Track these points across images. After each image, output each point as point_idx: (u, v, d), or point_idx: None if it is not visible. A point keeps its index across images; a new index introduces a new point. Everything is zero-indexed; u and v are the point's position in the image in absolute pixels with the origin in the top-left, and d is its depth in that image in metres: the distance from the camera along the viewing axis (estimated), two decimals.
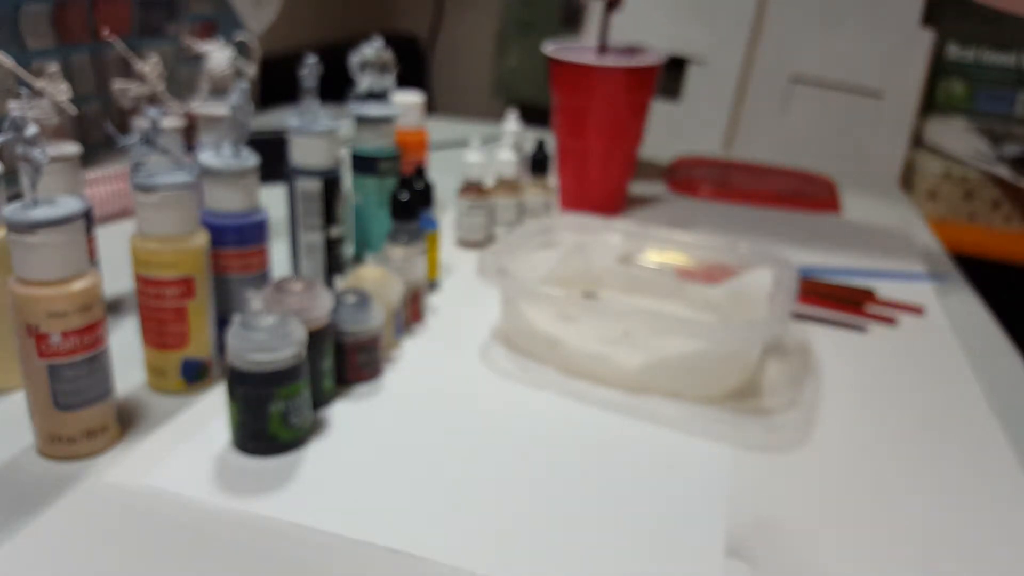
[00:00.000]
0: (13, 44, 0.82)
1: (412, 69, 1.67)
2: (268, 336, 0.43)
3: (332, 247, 0.61)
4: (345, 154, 0.65)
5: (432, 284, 0.66)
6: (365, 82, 0.65)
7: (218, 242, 0.50)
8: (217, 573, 0.37)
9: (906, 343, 0.62)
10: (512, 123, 0.81)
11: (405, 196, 0.59)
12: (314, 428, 0.48)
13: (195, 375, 0.50)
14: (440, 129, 1.14)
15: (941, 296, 0.71)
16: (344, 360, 0.51)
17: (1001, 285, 1.22)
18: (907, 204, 1.02)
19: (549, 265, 0.63)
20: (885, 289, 0.71)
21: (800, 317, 0.65)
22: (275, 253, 0.56)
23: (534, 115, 1.57)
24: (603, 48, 0.82)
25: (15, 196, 0.47)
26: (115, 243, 0.61)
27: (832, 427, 0.51)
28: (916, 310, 0.67)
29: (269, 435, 0.44)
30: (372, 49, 0.64)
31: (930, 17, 1.38)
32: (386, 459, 0.45)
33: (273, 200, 0.64)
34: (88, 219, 0.54)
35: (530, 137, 0.84)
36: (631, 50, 0.84)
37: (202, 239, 0.48)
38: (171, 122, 0.60)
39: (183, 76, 1.09)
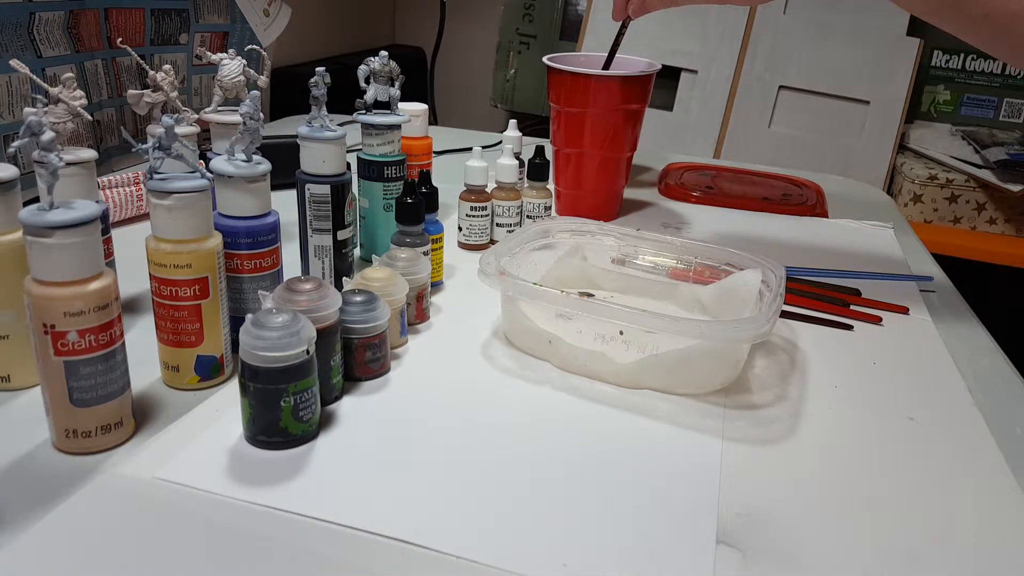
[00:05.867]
0: (29, 52, 0.83)
1: (417, 81, 1.68)
2: (279, 334, 0.44)
3: (340, 249, 0.62)
4: (353, 160, 0.67)
5: (436, 284, 0.67)
6: (372, 91, 0.66)
7: (231, 244, 0.51)
8: (229, 564, 0.37)
9: (891, 341, 0.63)
10: (512, 130, 0.83)
11: (410, 201, 0.61)
12: (323, 422, 0.48)
13: (209, 371, 0.51)
14: (443, 137, 1.16)
15: (926, 296, 0.72)
16: (352, 357, 0.52)
17: (984, 285, 1.24)
18: (893, 207, 1.03)
19: (547, 266, 0.64)
20: (871, 290, 0.71)
21: (788, 316, 0.66)
22: (286, 254, 0.56)
23: (533, 126, 1.59)
24: (609, 64, 0.82)
25: (33, 199, 0.47)
26: (132, 244, 0.61)
27: (818, 421, 0.51)
28: (901, 309, 0.68)
29: (280, 429, 0.45)
30: (378, 60, 0.66)
31: (915, 26, 1.40)
32: (392, 451, 0.46)
33: (285, 204, 0.64)
34: (104, 221, 0.55)
35: (529, 145, 0.85)
36: (627, 61, 0.86)
37: (216, 241, 0.49)
38: (185, 129, 0.61)
39: (196, 84, 1.10)
